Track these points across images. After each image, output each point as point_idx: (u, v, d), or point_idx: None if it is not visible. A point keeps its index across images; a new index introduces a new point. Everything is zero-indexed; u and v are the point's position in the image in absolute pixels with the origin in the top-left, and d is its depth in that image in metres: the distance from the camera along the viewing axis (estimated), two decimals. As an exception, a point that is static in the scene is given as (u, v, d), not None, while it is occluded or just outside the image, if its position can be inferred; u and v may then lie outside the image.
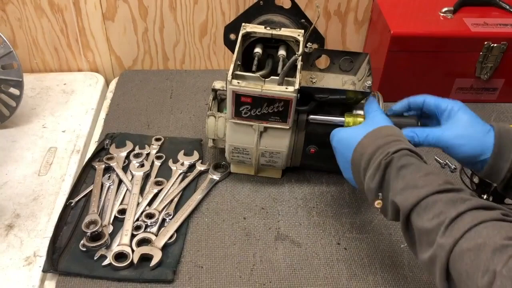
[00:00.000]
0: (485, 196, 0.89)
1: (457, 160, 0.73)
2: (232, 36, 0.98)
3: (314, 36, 0.95)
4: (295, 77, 0.80)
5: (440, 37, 1.06)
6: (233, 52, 0.98)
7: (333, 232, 0.84)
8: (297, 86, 0.78)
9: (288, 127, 0.82)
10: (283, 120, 0.81)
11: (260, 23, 0.94)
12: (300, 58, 0.82)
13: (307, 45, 0.87)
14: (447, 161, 0.99)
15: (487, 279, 0.48)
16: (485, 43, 1.05)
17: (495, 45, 1.05)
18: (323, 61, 0.95)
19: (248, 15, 0.97)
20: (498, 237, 0.50)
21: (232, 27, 0.98)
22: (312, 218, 0.86)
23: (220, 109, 0.92)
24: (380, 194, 0.64)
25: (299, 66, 0.82)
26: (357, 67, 0.91)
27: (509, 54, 1.07)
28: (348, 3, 1.18)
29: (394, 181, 0.62)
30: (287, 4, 0.97)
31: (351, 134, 0.72)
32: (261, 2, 0.96)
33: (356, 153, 0.69)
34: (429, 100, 0.75)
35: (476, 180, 0.93)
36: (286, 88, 0.78)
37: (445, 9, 1.10)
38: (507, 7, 1.11)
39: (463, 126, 0.71)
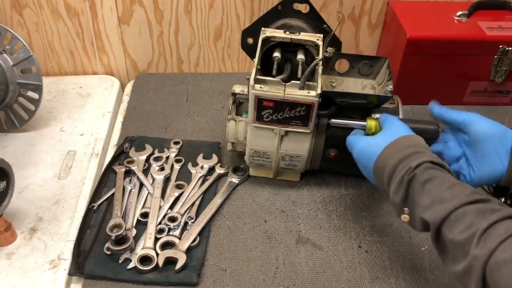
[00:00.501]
0: (503, 199, 0.90)
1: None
2: (250, 40, 0.99)
3: (331, 40, 0.96)
4: (315, 81, 0.81)
5: (455, 40, 1.06)
6: (250, 56, 0.98)
7: (353, 235, 0.85)
8: (319, 91, 0.79)
9: (309, 131, 0.83)
10: (304, 124, 0.82)
11: (278, 28, 0.95)
12: (320, 62, 0.83)
13: (327, 50, 0.88)
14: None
15: None
16: (500, 46, 1.06)
17: (510, 48, 1.06)
18: (340, 65, 0.96)
19: (266, 20, 0.97)
20: None
21: (250, 32, 0.98)
22: (332, 221, 0.87)
23: (238, 113, 0.93)
24: (405, 209, 0.64)
25: (320, 71, 0.83)
26: (376, 71, 0.92)
27: (524, 57, 1.07)
28: (362, 6, 1.19)
29: (419, 197, 0.62)
30: (304, 9, 0.97)
31: (371, 144, 0.72)
32: (279, 6, 0.96)
33: (377, 165, 0.69)
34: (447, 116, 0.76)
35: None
36: (309, 92, 0.79)
37: (460, 12, 1.11)
38: (521, 10, 1.12)
39: (490, 161, 0.71)
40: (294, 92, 0.79)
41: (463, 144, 0.76)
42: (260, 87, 0.79)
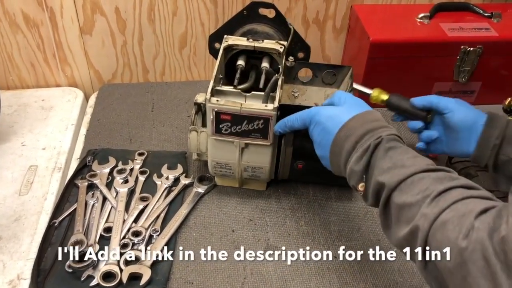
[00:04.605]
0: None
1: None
2: (217, 45, 0.96)
3: (300, 45, 0.94)
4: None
5: (418, 42, 1.08)
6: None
7: (322, 241, 0.84)
8: (276, 104, 0.77)
9: (269, 144, 0.81)
10: (263, 136, 0.80)
11: (244, 33, 0.93)
12: (281, 77, 0.81)
13: (289, 59, 0.86)
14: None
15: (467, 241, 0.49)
16: (462, 47, 1.07)
17: (471, 49, 1.08)
18: (307, 72, 0.95)
19: (232, 25, 0.95)
20: (483, 205, 0.51)
21: (216, 37, 0.95)
22: (301, 227, 0.86)
23: (204, 122, 0.91)
24: (364, 176, 0.64)
25: (279, 83, 0.81)
26: (340, 79, 0.91)
27: (485, 57, 1.09)
28: (326, 11, 1.19)
29: (380, 161, 0.62)
30: (269, 13, 0.95)
31: (338, 112, 0.70)
32: (244, 12, 0.94)
33: (340, 133, 0.67)
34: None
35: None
36: (266, 105, 0.77)
37: (422, 15, 1.12)
38: (481, 11, 1.14)
39: (461, 145, 0.83)
40: (251, 106, 0.77)
41: (440, 124, 0.85)
42: (217, 100, 0.77)
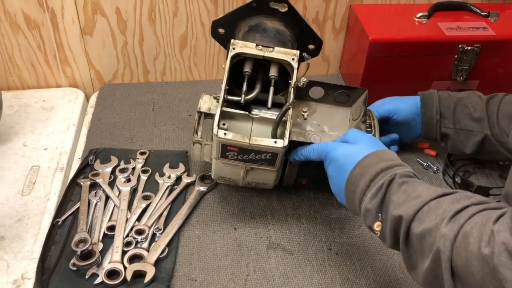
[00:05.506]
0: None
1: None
2: (221, 31, 0.91)
3: (311, 38, 0.90)
4: (286, 122, 0.77)
5: (417, 42, 1.08)
6: (222, 44, 0.92)
7: (323, 238, 0.85)
8: (286, 143, 0.75)
9: (275, 170, 0.80)
10: (270, 164, 0.79)
11: (251, 27, 0.88)
12: (291, 107, 0.78)
13: (300, 80, 0.82)
14: (428, 162, 1.01)
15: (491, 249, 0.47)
16: (460, 46, 1.08)
17: (469, 48, 1.08)
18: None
19: (239, 14, 0.89)
20: (499, 212, 0.51)
21: (221, 23, 0.90)
22: (302, 225, 0.87)
23: (207, 131, 0.87)
24: (379, 215, 0.62)
25: (290, 112, 0.78)
26: (353, 99, 0.89)
27: (483, 56, 1.10)
28: (326, 11, 1.20)
29: (395, 196, 0.60)
30: (281, 7, 0.87)
31: (353, 150, 0.70)
32: (254, 4, 0.88)
33: (355, 171, 0.67)
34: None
35: (458, 180, 0.95)
36: (275, 142, 0.75)
37: (420, 14, 1.13)
38: (478, 11, 1.15)
39: (411, 132, 0.99)
40: (259, 142, 0.75)
41: (388, 124, 0.97)
42: (224, 133, 0.75)
